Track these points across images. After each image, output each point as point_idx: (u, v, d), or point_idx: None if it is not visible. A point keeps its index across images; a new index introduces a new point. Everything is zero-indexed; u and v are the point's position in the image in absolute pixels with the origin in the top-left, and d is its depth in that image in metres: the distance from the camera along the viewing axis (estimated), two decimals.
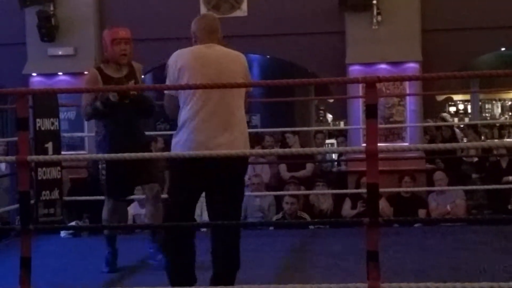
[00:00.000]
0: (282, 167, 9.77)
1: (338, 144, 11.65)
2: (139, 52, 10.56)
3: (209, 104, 4.27)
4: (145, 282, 5.16)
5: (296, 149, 8.65)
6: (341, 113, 11.00)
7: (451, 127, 12.22)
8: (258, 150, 6.25)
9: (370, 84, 3.65)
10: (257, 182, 8.98)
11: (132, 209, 8.68)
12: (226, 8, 10.69)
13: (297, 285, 3.82)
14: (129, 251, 6.55)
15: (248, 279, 5.04)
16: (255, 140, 11.03)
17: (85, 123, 10.49)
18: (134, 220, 8.59)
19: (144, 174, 5.49)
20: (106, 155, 5.38)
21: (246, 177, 9.19)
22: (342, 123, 12.81)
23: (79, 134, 10.21)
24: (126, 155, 4.22)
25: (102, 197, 7.99)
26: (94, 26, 10.80)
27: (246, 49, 12.06)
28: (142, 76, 6.37)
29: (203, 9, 10.71)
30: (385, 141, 9.80)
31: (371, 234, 3.60)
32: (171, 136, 4.56)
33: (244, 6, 10.69)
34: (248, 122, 15.33)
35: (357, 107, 10.15)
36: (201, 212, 8.57)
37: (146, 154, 4.90)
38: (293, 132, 10.34)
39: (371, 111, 3.62)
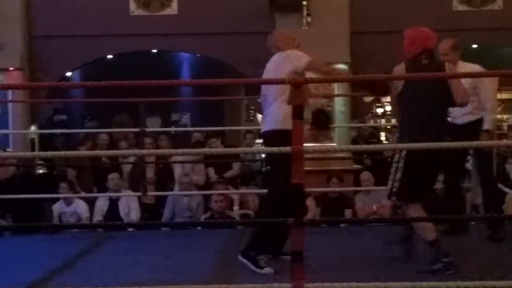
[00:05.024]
0: (210, 170, 9.64)
1: None
2: (67, 48, 10.61)
3: None
4: (68, 282, 5.09)
5: (222, 149, 8.65)
6: None
7: (375, 127, 12.42)
8: (183, 150, 6.27)
9: (297, 85, 3.67)
10: (186, 181, 8.94)
11: (57, 207, 8.50)
12: (156, 6, 10.63)
13: (223, 285, 3.82)
14: (54, 251, 6.46)
15: (174, 279, 5.04)
16: (186, 139, 11.00)
17: (10, 120, 10.31)
18: (60, 219, 8.42)
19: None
20: (43, 152, 5.32)
21: (177, 177, 9.17)
22: None
23: (4, 131, 10.02)
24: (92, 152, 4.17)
25: (31, 196, 7.88)
26: (21, 22, 10.62)
27: (176, 48, 12.13)
28: None
29: (132, 6, 10.65)
30: (315, 141, 9.86)
31: (295, 234, 3.63)
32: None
33: (174, 4, 10.65)
34: (178, 121, 15.37)
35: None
36: (129, 212, 8.50)
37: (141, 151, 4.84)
38: (216, 136, 9.98)
39: (297, 112, 3.65)
